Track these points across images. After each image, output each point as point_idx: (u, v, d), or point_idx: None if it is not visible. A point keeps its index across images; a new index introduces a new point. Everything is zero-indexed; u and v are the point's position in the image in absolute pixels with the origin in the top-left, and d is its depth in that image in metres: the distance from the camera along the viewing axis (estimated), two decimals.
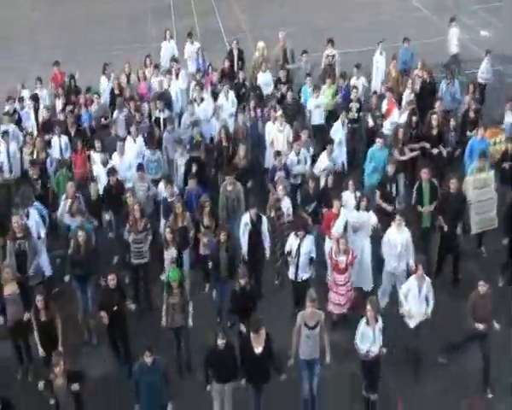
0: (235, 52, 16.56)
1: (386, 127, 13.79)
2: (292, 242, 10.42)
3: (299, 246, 10.29)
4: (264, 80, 15.45)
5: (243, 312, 9.52)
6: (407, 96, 14.44)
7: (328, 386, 9.30)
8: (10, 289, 9.89)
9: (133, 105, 14.53)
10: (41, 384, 8.51)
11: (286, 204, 11.35)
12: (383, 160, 12.37)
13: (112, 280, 9.70)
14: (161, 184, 12.11)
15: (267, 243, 11.01)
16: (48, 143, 13.83)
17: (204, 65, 16.65)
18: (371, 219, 10.90)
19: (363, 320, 8.82)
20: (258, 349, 8.60)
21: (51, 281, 11.51)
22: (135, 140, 13.32)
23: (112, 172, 12.17)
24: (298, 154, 12.62)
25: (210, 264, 10.69)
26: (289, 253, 10.42)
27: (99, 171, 12.82)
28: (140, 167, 12.36)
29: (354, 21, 22.32)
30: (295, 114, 14.31)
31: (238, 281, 9.59)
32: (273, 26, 19.67)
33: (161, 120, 14.16)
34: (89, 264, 10.63)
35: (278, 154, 12.43)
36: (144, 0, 26.19)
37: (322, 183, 12.22)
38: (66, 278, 10.99)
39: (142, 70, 15.94)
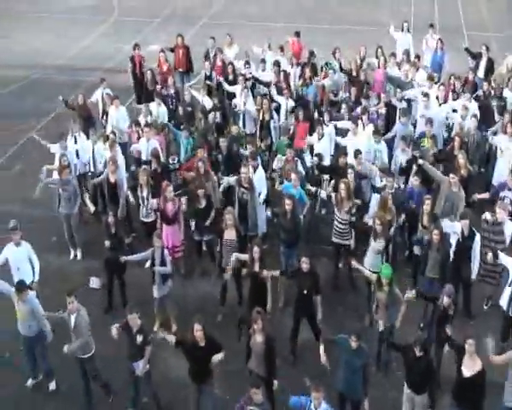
0: (483, 60, 15.24)
1: None
2: (507, 262, 9.51)
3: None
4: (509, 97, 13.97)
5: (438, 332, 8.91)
6: None
7: None
8: (229, 234, 10.19)
9: (356, 90, 14.08)
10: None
11: (509, 229, 10.35)
12: None
13: (304, 263, 9.34)
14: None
15: (476, 264, 10.16)
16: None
17: (442, 58, 15.81)
18: None
19: None
20: (467, 374, 8.00)
21: (264, 238, 11.53)
22: (364, 127, 12.91)
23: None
24: None
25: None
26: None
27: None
28: (358, 152, 11.94)
29: None
30: None
31: (443, 297, 8.97)
32: None
33: (397, 110, 13.65)
34: (293, 233, 10.61)
35: None
36: None
37: None
38: None
39: (378, 59, 15.21)
